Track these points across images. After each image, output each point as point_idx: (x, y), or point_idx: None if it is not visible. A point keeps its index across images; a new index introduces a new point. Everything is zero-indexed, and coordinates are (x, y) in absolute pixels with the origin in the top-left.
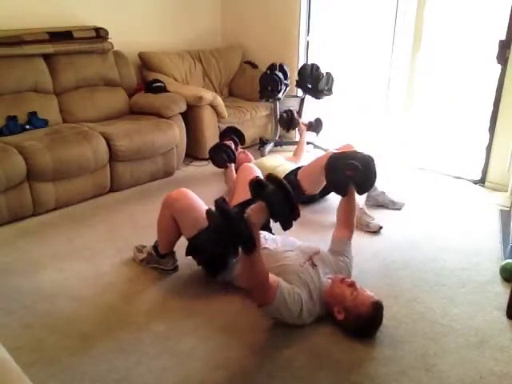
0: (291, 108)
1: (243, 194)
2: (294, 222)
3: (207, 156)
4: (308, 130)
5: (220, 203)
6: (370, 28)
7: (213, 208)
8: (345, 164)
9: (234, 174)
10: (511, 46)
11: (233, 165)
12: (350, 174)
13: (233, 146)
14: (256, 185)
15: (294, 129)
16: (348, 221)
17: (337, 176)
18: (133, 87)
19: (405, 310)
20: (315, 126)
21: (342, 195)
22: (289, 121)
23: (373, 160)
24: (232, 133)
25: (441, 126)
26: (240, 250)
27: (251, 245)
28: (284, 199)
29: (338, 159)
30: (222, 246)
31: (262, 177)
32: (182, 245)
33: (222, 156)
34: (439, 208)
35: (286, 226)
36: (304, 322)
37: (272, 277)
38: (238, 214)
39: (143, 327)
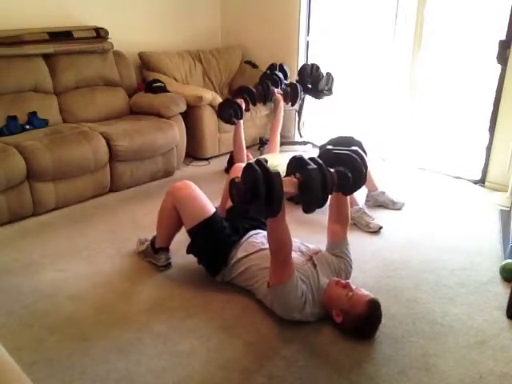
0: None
1: None
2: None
3: (207, 156)
4: (284, 99)
5: (261, 161)
6: (371, 28)
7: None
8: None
9: (242, 132)
10: (511, 46)
11: (241, 122)
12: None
13: (243, 105)
14: (296, 160)
15: (270, 100)
16: (341, 213)
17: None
18: (133, 87)
19: (405, 310)
20: (291, 93)
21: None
22: (265, 93)
23: (363, 162)
24: (244, 92)
25: (441, 125)
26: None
27: (278, 205)
28: (321, 182)
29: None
30: (253, 198)
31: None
32: (182, 245)
33: (228, 111)
34: (439, 208)
35: (310, 208)
36: (306, 318)
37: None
38: (277, 173)
39: (143, 327)
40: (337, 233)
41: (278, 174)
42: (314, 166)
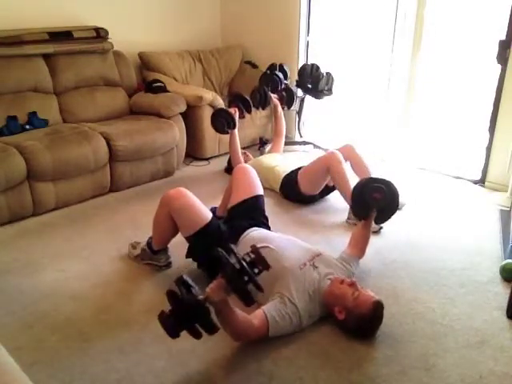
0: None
1: (241, 192)
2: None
3: (207, 156)
4: (281, 103)
5: (179, 285)
6: (370, 28)
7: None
8: (373, 186)
9: (237, 140)
10: (511, 45)
11: (236, 131)
12: (377, 196)
13: (236, 115)
14: (217, 262)
15: (268, 105)
16: (362, 245)
17: (363, 196)
18: (133, 87)
19: (405, 310)
20: (286, 98)
21: (363, 217)
22: (263, 99)
23: (397, 192)
24: (238, 101)
25: (441, 125)
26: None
27: (211, 328)
28: (243, 276)
29: (368, 181)
30: (182, 328)
31: (257, 177)
32: (181, 245)
33: (220, 121)
34: (439, 208)
35: (247, 302)
36: (307, 325)
37: (257, 314)
38: (195, 300)
39: (143, 327)
40: (353, 254)
41: (200, 305)
42: (230, 262)
